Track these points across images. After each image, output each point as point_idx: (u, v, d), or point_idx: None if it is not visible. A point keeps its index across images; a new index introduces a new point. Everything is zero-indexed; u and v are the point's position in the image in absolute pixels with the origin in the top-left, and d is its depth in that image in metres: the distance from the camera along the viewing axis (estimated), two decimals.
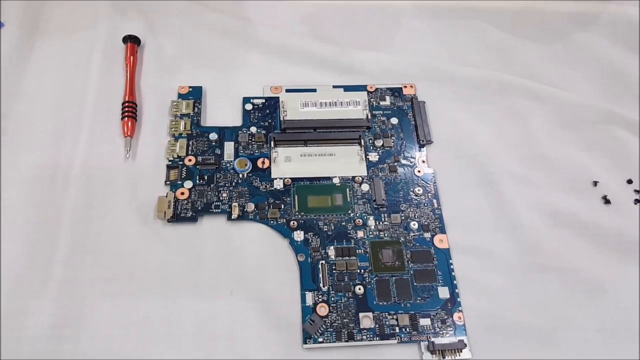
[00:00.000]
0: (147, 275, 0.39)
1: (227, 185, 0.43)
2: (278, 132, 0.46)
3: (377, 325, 0.38)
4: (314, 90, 0.49)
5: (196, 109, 0.47)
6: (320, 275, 0.40)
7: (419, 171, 0.45)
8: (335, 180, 0.44)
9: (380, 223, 0.42)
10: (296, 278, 0.40)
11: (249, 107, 0.48)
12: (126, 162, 0.44)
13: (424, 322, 0.38)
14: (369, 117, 0.48)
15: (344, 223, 0.42)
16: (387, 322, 0.38)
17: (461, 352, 0.37)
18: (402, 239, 0.42)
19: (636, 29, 0.55)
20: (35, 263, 0.39)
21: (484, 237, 0.42)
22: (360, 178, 0.44)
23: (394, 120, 0.48)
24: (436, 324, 0.38)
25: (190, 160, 0.44)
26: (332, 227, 0.42)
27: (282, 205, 0.43)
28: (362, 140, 0.46)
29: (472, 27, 0.55)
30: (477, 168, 0.46)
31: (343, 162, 0.45)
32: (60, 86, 0.47)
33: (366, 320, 0.38)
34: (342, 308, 0.39)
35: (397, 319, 0.38)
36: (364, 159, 0.45)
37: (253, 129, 0.46)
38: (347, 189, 0.44)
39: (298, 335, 0.38)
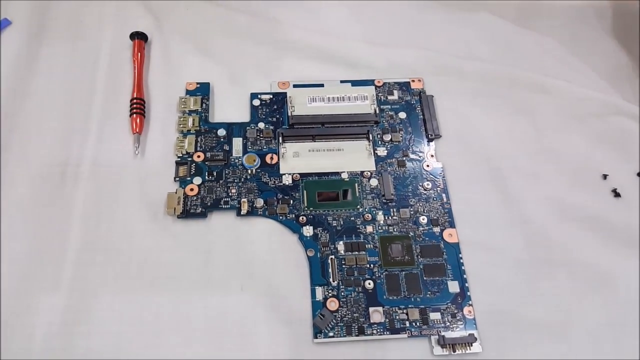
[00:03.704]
0: (157, 272, 0.39)
1: (236, 181, 0.43)
2: (286, 127, 0.46)
3: (387, 320, 0.38)
4: (322, 86, 0.49)
5: (204, 105, 0.47)
6: (330, 270, 0.40)
7: (427, 166, 0.45)
8: (344, 176, 0.44)
9: (390, 218, 0.42)
10: (306, 273, 0.40)
11: (256, 102, 0.48)
12: (135, 159, 0.44)
13: (434, 316, 0.38)
14: (377, 111, 0.47)
15: (353, 218, 0.42)
16: (397, 317, 0.38)
17: (471, 346, 0.37)
18: (411, 233, 0.42)
19: None
20: (46, 260, 0.39)
21: (493, 231, 0.42)
22: (369, 173, 0.44)
23: (402, 115, 0.48)
24: (446, 318, 0.38)
25: (199, 156, 0.44)
26: (341, 222, 0.42)
27: (291, 201, 0.43)
28: (371, 135, 0.46)
29: (479, 21, 0.54)
30: (486, 162, 0.46)
31: (351, 157, 0.45)
32: (68, 84, 0.47)
33: (376, 314, 0.38)
34: (352, 303, 0.39)
35: (407, 313, 0.38)
36: (373, 153, 0.45)
37: (261, 125, 0.46)
38: (356, 184, 0.44)
39: (308, 330, 0.38)
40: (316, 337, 0.37)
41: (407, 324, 0.38)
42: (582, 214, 0.43)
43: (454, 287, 0.40)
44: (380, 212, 0.43)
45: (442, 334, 0.38)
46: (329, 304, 0.38)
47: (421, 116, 0.48)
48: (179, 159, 0.44)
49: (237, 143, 0.45)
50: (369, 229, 0.42)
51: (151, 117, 0.47)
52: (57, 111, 0.46)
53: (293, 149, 0.45)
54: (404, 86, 0.49)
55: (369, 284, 0.39)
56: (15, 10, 0.51)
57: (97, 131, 0.45)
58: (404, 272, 0.40)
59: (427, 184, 0.44)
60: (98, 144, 0.44)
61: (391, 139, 0.46)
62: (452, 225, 0.42)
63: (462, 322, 0.38)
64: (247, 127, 0.46)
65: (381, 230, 0.42)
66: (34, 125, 0.45)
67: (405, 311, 0.38)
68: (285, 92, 0.48)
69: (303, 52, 0.51)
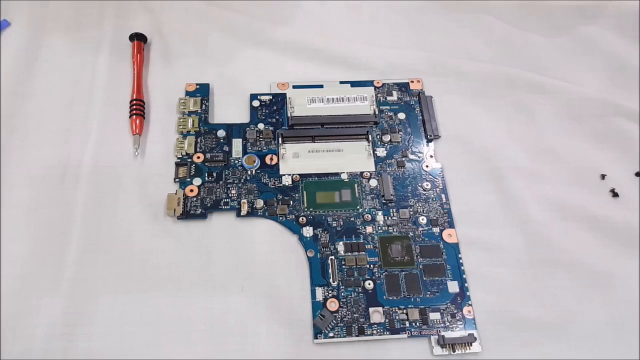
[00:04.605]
0: (157, 272, 0.39)
1: (235, 182, 0.43)
2: (286, 128, 0.46)
3: (387, 320, 0.38)
4: (321, 86, 0.49)
5: (204, 106, 0.47)
6: (330, 271, 0.40)
7: (427, 166, 0.45)
8: (344, 176, 0.44)
9: (389, 218, 0.42)
10: (306, 274, 0.40)
11: (256, 103, 0.48)
12: (135, 160, 0.44)
13: (434, 316, 0.39)
14: (377, 112, 0.48)
15: (352, 218, 0.42)
16: (397, 317, 0.38)
17: (471, 345, 0.37)
18: (411, 233, 0.42)
19: None
20: (47, 262, 0.39)
21: (492, 231, 0.42)
22: (369, 173, 0.44)
23: (402, 116, 0.48)
24: (446, 318, 0.38)
25: (198, 157, 0.44)
26: (341, 223, 0.42)
27: (291, 202, 0.43)
28: (370, 136, 0.46)
29: (478, 22, 0.54)
30: (485, 162, 0.46)
31: (351, 158, 0.45)
32: (68, 85, 0.47)
33: (376, 315, 0.38)
34: (352, 303, 0.39)
35: (407, 314, 0.38)
36: (372, 154, 0.45)
37: (261, 126, 0.46)
38: (356, 185, 0.44)
39: (309, 330, 0.38)
40: (316, 338, 0.37)
41: (407, 324, 0.38)
42: (581, 213, 0.43)
43: (453, 287, 0.40)
44: (380, 213, 0.43)
45: (442, 334, 0.38)
46: (329, 305, 0.39)
47: (420, 117, 0.48)
48: (179, 160, 0.44)
49: (237, 144, 0.45)
50: (369, 229, 0.42)
51: (151, 118, 0.47)
52: (57, 112, 0.46)
53: (293, 149, 0.45)
54: (403, 87, 0.50)
55: (369, 284, 0.40)
56: (15, 11, 0.51)
57: (97, 132, 0.45)
58: (403, 273, 0.40)
59: (427, 185, 0.44)
60: (98, 145, 0.44)
61: (390, 140, 0.46)
62: (451, 225, 0.42)
63: (461, 322, 0.38)
64: (247, 128, 0.46)
65: (381, 231, 0.42)
66: (34, 126, 0.45)
67: (405, 311, 0.39)
68: (285, 93, 0.48)
69: (303, 52, 0.51)
